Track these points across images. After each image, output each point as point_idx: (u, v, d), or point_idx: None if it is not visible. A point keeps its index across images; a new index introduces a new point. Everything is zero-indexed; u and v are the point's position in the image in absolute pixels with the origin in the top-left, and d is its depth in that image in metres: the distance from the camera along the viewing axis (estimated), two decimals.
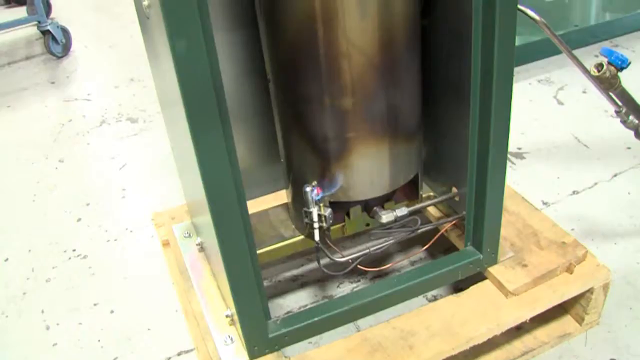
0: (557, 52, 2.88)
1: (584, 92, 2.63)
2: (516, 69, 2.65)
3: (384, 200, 1.51)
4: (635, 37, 3.20)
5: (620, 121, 1.62)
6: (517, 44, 1.25)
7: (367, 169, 1.41)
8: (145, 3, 1.16)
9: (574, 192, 2.09)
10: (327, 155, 1.37)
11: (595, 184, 2.13)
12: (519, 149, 2.33)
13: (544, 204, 2.04)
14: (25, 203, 2.37)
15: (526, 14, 1.35)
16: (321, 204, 1.37)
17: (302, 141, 1.40)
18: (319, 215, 1.36)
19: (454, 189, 1.55)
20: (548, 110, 2.59)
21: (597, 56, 2.96)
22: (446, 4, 1.37)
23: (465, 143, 1.38)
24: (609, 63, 1.44)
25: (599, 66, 1.44)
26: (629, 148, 2.24)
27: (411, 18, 1.31)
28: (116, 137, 2.75)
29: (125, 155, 2.59)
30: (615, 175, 2.17)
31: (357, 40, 1.24)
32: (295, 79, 1.32)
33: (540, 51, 2.86)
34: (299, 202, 1.48)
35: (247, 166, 1.54)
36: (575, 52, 2.96)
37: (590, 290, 1.52)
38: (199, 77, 1.02)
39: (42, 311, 1.83)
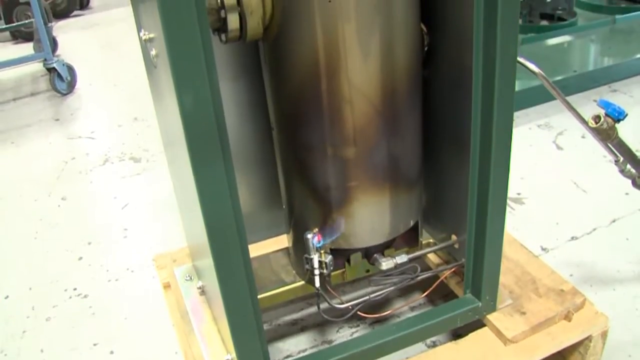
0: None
1: (583, 137, 2.66)
2: (516, 114, 2.68)
3: (385, 247, 1.53)
4: (633, 82, 3.24)
5: (618, 170, 1.64)
6: (516, 89, 1.27)
7: (368, 217, 1.43)
8: (153, 53, 1.19)
9: (572, 238, 2.10)
10: (328, 203, 1.39)
11: (594, 229, 2.15)
12: (519, 194, 2.35)
13: (543, 249, 2.05)
14: (27, 240, 2.38)
15: (526, 66, 1.38)
16: (322, 251, 1.38)
17: (304, 189, 1.42)
18: (320, 262, 1.38)
19: (454, 237, 1.56)
20: (547, 155, 2.62)
21: (595, 101, 2.99)
22: (447, 56, 1.39)
23: (465, 191, 1.40)
24: (607, 115, 1.46)
25: (597, 118, 1.46)
26: (627, 194, 2.26)
27: (413, 69, 1.34)
28: (119, 176, 2.77)
29: (127, 195, 2.61)
30: (613, 221, 2.18)
31: (360, 90, 1.26)
32: (298, 128, 1.34)
33: (540, 96, 2.90)
34: (299, 247, 1.49)
35: (249, 211, 1.55)
36: (574, 96, 3.03)
37: (588, 338, 1.52)
38: (204, 125, 1.04)
39: (42, 350, 1.83)
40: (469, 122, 1.31)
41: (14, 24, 4.81)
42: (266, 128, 1.50)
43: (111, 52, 4.50)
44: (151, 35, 1.20)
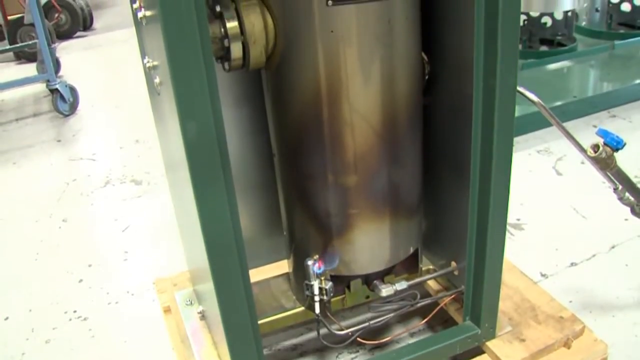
0: None
1: (583, 163, 2.67)
2: (516, 139, 2.69)
3: (385, 274, 1.53)
4: (632, 108, 3.26)
5: (617, 198, 1.65)
6: (516, 114, 1.28)
7: (369, 245, 1.44)
8: (157, 80, 1.20)
9: (572, 264, 2.11)
10: (329, 230, 1.40)
11: (594, 255, 2.15)
12: (518, 219, 2.36)
13: (542, 275, 2.05)
14: (28, 261, 2.38)
15: (525, 96, 1.39)
16: (322, 278, 1.39)
17: (305, 215, 1.43)
18: (320, 289, 1.38)
19: (453, 263, 1.57)
20: (547, 181, 2.63)
21: (595, 126, 3.01)
22: (447, 85, 1.41)
23: (465, 218, 1.41)
24: (605, 144, 1.48)
25: (595, 147, 1.48)
26: (626, 220, 2.26)
27: (414, 97, 1.36)
28: (120, 198, 2.78)
29: (128, 217, 2.61)
30: (613, 247, 2.18)
31: (361, 119, 1.28)
32: (299, 156, 1.35)
33: (540, 122, 2.91)
34: (300, 273, 1.50)
35: (249, 236, 1.56)
36: (574, 122, 3.04)
37: None
38: (207, 151, 1.06)
39: None
40: (469, 150, 1.32)
41: (18, 45, 4.83)
42: (267, 154, 1.51)
43: (113, 73, 4.52)
44: (155, 63, 1.21)
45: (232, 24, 1.20)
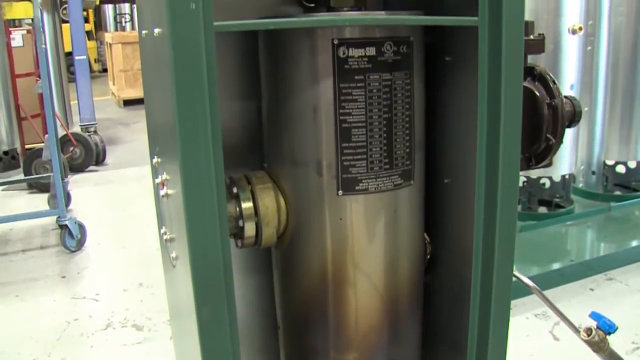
0: (553, 285, 2.99)
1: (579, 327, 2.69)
2: (513, 303, 2.71)
3: None
4: (628, 271, 3.30)
5: None
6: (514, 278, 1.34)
7: None
8: (173, 255, 1.27)
9: None
10: None
11: None
12: None
13: None
14: None
15: (520, 280, 1.46)
16: None
17: None
18: None
19: None
20: (544, 346, 2.64)
21: (592, 290, 3.05)
22: (447, 266, 1.48)
23: None
24: (598, 328, 1.53)
25: (588, 331, 1.53)
26: None
27: (415, 277, 1.42)
28: (120, 343, 2.78)
29: None
30: None
31: (365, 299, 1.34)
32: (303, 331, 1.40)
33: (537, 285, 2.96)
34: None
35: None
36: (571, 285, 3.07)
37: None
38: (218, 322, 1.12)
39: None
40: (467, 327, 1.37)
41: (33, 177, 4.96)
42: (272, 321, 1.56)
43: (122, 212, 4.61)
44: (172, 236, 1.29)
45: (247, 205, 1.29)
